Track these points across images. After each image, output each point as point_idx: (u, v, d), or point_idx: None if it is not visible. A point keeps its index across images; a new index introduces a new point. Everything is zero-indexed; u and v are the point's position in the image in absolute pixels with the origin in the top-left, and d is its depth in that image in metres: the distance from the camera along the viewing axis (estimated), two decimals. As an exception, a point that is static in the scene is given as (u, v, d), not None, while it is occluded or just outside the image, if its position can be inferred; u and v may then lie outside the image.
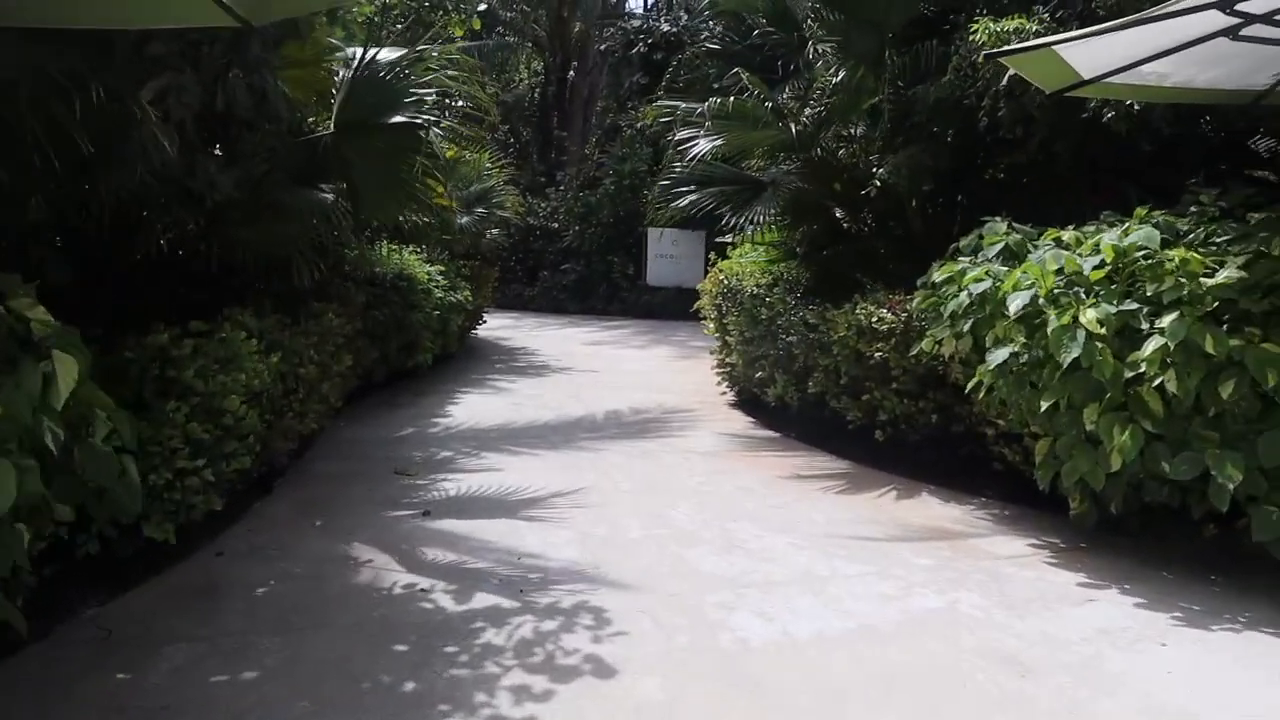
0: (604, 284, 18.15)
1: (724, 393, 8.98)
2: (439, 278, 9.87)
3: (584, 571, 4.24)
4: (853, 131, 7.80)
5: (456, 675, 3.20)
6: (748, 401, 8.42)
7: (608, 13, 24.32)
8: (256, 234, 5.25)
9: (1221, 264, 4.09)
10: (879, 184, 6.38)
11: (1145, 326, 4.06)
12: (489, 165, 12.13)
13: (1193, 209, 4.69)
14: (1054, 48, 3.98)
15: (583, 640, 3.50)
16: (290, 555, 4.38)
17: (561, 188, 19.86)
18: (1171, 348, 3.85)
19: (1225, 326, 3.94)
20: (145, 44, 3.83)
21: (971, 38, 5.46)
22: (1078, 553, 4.54)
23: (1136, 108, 5.22)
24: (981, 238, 5.31)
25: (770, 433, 7.50)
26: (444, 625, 3.62)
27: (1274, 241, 4.01)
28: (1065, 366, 4.16)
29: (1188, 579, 4.17)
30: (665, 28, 20.65)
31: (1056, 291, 4.43)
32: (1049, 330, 4.24)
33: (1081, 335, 4.11)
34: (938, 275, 5.29)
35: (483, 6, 17.62)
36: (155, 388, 4.18)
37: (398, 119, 5.19)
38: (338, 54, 5.77)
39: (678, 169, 8.08)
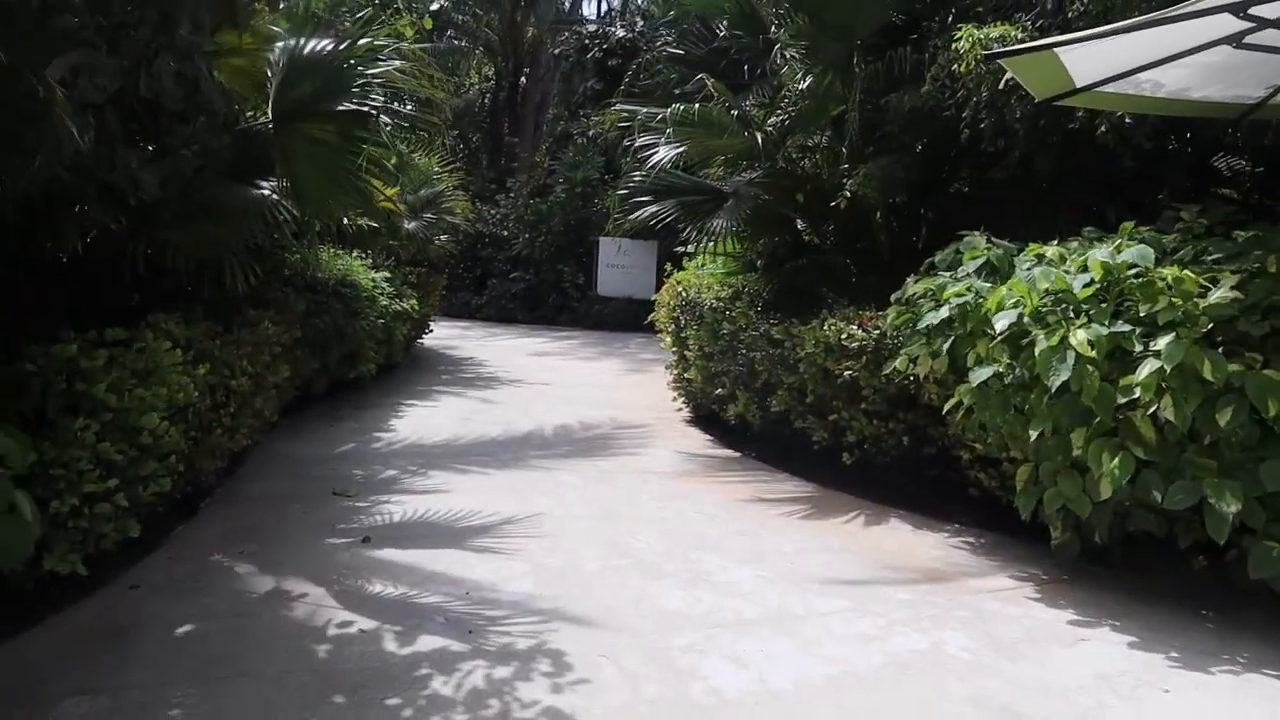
0: (554, 293, 17.83)
1: (680, 409, 8.68)
2: (384, 284, 9.51)
3: (540, 608, 3.88)
4: (818, 141, 7.58)
5: (398, 735, 2.83)
6: (705, 418, 8.14)
7: (562, 17, 24.03)
8: (187, 235, 4.85)
9: (1214, 282, 3.91)
10: (848, 195, 6.13)
11: (1138, 348, 3.85)
12: (438, 169, 11.79)
13: (1178, 226, 4.52)
14: (1054, 50, 3.77)
15: (540, 690, 3.15)
16: (213, 589, 3.97)
17: (512, 195, 19.42)
18: (1168, 371, 3.64)
19: (1220, 349, 3.74)
20: (51, 15, 3.37)
21: (955, 45, 5.24)
22: (1062, 585, 4.31)
23: (1129, 120, 5.05)
24: (959, 252, 5.09)
25: (730, 451, 7.22)
26: (384, 673, 3.24)
27: (1270, 259, 3.83)
28: (1054, 390, 3.94)
29: (1178, 614, 3.96)
30: (621, 33, 20.41)
31: (1043, 310, 4.21)
32: (1037, 352, 4.01)
33: (1071, 357, 3.89)
34: (914, 289, 5.06)
35: (435, 6, 17.16)
36: (62, 403, 3.74)
37: (343, 106, 4.77)
38: (279, 44, 5.35)
39: (637, 178, 7.78)
